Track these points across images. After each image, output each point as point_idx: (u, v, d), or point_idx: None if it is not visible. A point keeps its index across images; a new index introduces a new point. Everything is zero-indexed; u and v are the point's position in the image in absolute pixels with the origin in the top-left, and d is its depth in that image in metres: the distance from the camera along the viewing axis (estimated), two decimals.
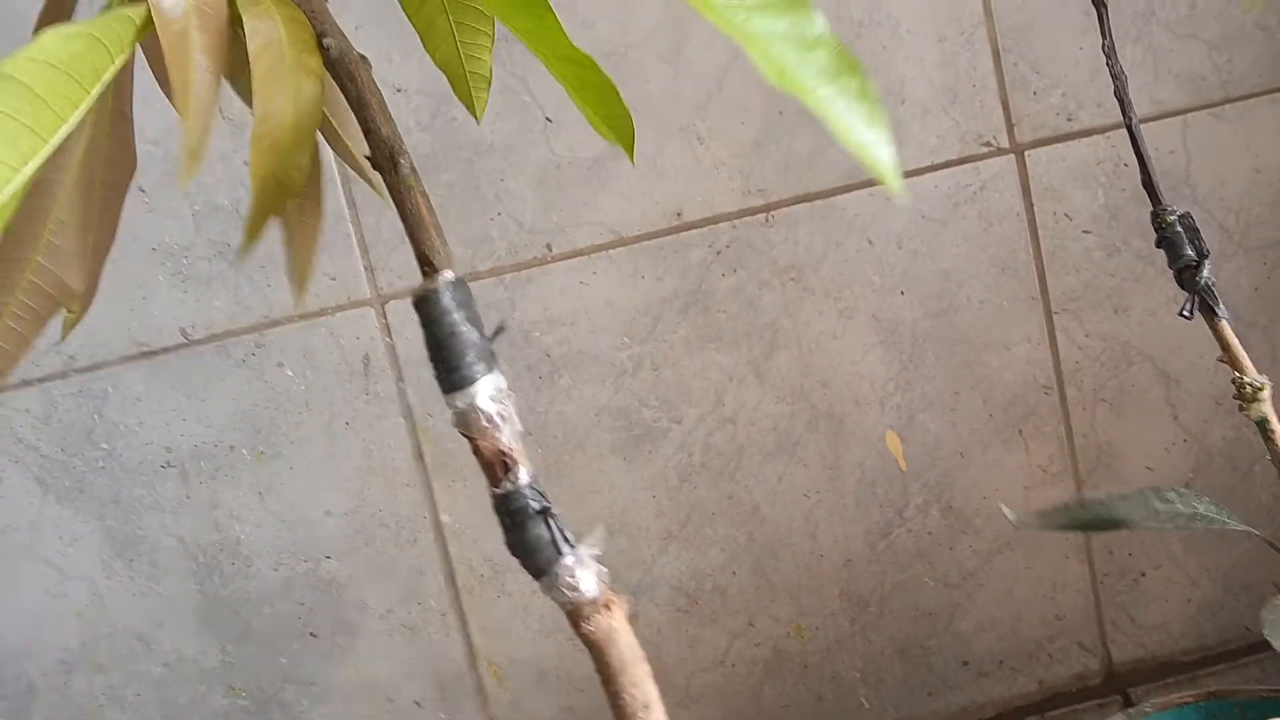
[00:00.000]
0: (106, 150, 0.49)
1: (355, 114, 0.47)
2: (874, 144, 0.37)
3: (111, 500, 0.96)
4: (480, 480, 1.04)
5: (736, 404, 1.01)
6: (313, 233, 0.50)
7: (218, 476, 0.96)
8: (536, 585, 1.04)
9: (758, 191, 0.99)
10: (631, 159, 0.56)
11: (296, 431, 0.96)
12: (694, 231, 0.98)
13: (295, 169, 0.46)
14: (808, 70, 0.37)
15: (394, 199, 0.47)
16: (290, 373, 0.96)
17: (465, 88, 0.62)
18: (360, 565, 0.99)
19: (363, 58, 0.48)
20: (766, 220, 0.99)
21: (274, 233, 0.98)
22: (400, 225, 0.47)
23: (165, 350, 0.95)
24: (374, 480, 0.98)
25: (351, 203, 0.95)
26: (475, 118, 0.62)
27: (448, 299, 0.45)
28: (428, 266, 0.46)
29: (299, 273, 0.48)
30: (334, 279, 0.95)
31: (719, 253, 0.99)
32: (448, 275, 0.46)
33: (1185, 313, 0.59)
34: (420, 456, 0.98)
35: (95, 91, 0.40)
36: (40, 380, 0.94)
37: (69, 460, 0.95)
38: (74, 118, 0.40)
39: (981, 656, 1.07)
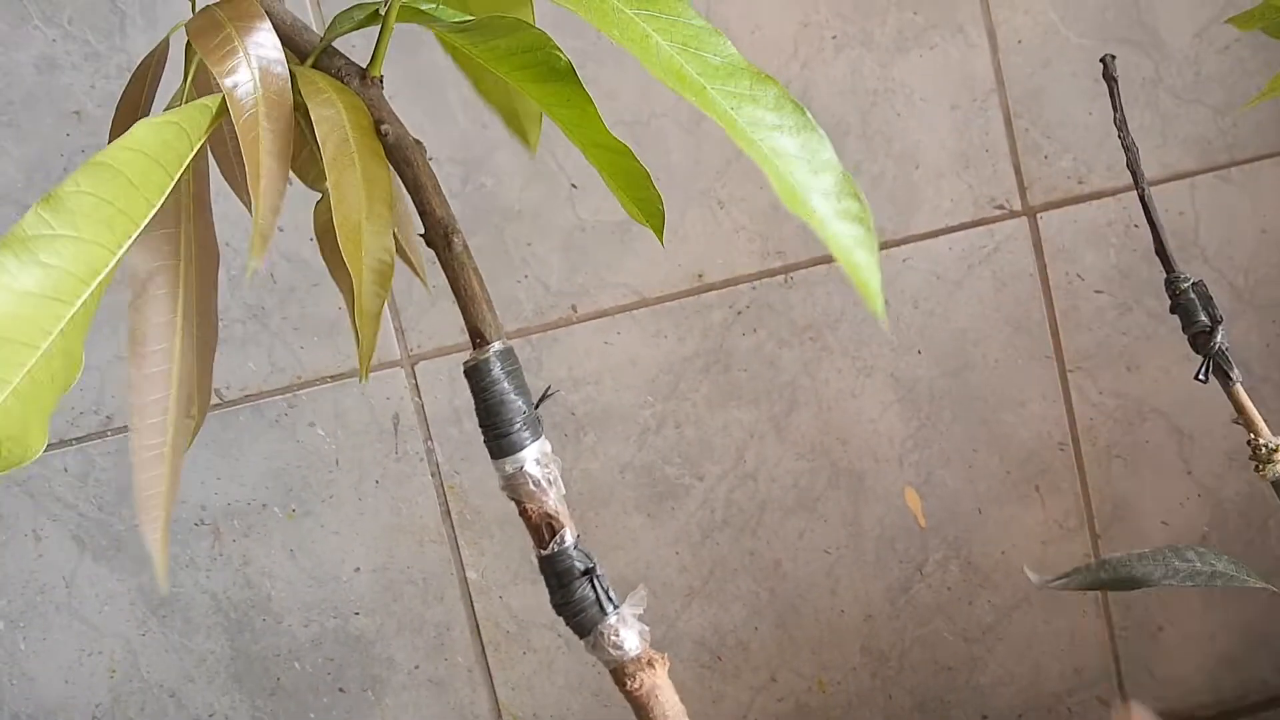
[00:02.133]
0: (196, 240, 0.51)
1: (412, 196, 0.49)
2: (865, 268, 0.40)
3: (147, 558, 0.98)
4: (505, 536, 1.06)
5: (757, 461, 1.02)
6: (377, 310, 0.53)
7: (250, 534, 0.98)
8: (561, 641, 1.05)
9: (777, 254, 1.01)
10: (661, 240, 0.59)
11: (327, 490, 0.98)
12: (715, 293, 1.01)
13: (384, 252, 0.48)
14: (815, 191, 0.40)
15: (447, 274, 0.49)
16: (321, 432, 0.98)
17: (519, 124, 0.64)
18: (388, 621, 1.00)
19: (418, 142, 0.50)
20: (786, 281, 1.01)
21: (306, 294, 1.01)
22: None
23: None
24: (402, 537, 1.00)
25: None
26: (530, 150, 0.64)
27: (497, 369, 0.48)
28: (479, 338, 0.48)
29: (365, 351, 0.50)
30: None
31: (739, 313, 1.01)
32: (497, 346, 0.48)
33: (1200, 377, 0.61)
34: (448, 514, 1.00)
35: (177, 175, 0.43)
36: (78, 440, 0.97)
37: (106, 519, 0.97)
38: (159, 202, 0.42)
39: (1001, 711, 1.08)
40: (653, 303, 1.00)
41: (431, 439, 0.99)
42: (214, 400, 0.97)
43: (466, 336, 1.00)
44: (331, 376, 0.98)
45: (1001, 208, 1.03)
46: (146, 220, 0.40)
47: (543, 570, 0.48)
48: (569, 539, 0.48)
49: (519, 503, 0.48)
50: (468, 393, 0.48)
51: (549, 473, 0.47)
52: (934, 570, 1.05)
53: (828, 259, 1.01)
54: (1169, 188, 1.03)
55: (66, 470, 0.96)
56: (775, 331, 1.02)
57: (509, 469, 0.47)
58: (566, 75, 0.49)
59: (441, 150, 0.97)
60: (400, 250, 0.53)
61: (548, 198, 0.98)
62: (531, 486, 0.47)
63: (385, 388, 0.98)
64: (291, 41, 0.50)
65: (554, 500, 0.47)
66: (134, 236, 0.40)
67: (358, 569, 0.99)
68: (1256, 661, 1.09)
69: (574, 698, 1.03)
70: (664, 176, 0.99)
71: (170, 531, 0.99)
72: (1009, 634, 1.07)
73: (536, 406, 0.49)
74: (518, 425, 0.47)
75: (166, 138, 0.40)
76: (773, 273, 1.01)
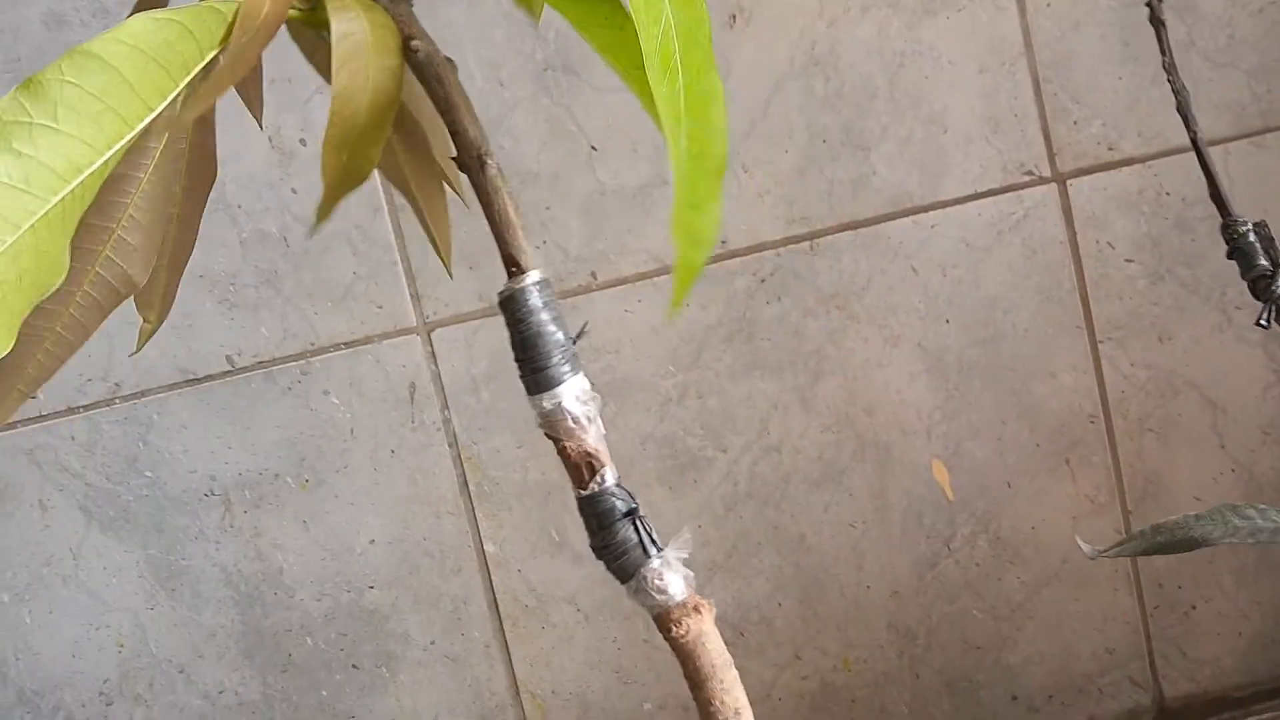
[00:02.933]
0: (189, 155, 0.49)
1: (443, 116, 0.47)
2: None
3: (155, 529, 0.95)
4: (524, 509, 1.03)
5: (782, 432, 1.00)
6: (441, 210, 0.51)
7: (262, 505, 0.96)
8: (580, 617, 1.03)
9: (801, 220, 0.99)
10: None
11: (341, 460, 0.96)
12: (738, 260, 0.98)
13: (366, 160, 0.46)
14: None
15: (481, 199, 0.46)
16: (336, 400, 0.95)
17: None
18: (403, 595, 0.98)
19: (449, 60, 0.48)
20: (811, 248, 0.99)
21: (320, 259, 0.98)
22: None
23: (211, 377, 0.95)
24: (418, 509, 0.97)
25: (398, 231, 0.95)
26: (534, 20, 0.59)
27: (535, 298, 0.45)
28: (514, 266, 0.46)
29: (442, 247, 0.49)
30: (380, 307, 0.95)
31: (763, 281, 0.99)
32: (534, 275, 0.46)
33: (1262, 321, 0.58)
34: (465, 485, 0.98)
35: (184, 83, 0.40)
36: (86, 408, 0.94)
37: (114, 489, 0.95)
38: (160, 107, 0.40)
39: (1031, 691, 1.05)
40: None
41: (449, 408, 0.97)
42: (225, 367, 0.95)
43: (484, 303, 0.98)
44: (346, 343, 0.95)
45: (1030, 174, 1.00)
46: (143, 124, 0.37)
47: (582, 511, 0.45)
48: (610, 478, 0.45)
49: (557, 440, 0.45)
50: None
51: (589, 409, 0.45)
52: (962, 545, 1.03)
53: (854, 225, 0.99)
54: None
55: (74, 439, 0.94)
56: (800, 300, 0.99)
57: (547, 405, 0.45)
58: None
59: None
60: (439, 173, 0.51)
61: (567, 160, 0.96)
62: (570, 423, 0.45)
63: (401, 355, 0.96)
64: None
65: (594, 438, 0.45)
66: (127, 139, 0.37)
67: (372, 541, 0.97)
68: None
69: (594, 674, 1.00)
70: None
71: (178, 502, 0.96)
72: (1039, 612, 1.04)
73: (575, 341, 0.46)
74: (556, 359, 0.45)
75: (169, 37, 0.38)
76: (797, 239, 0.99)
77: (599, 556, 0.45)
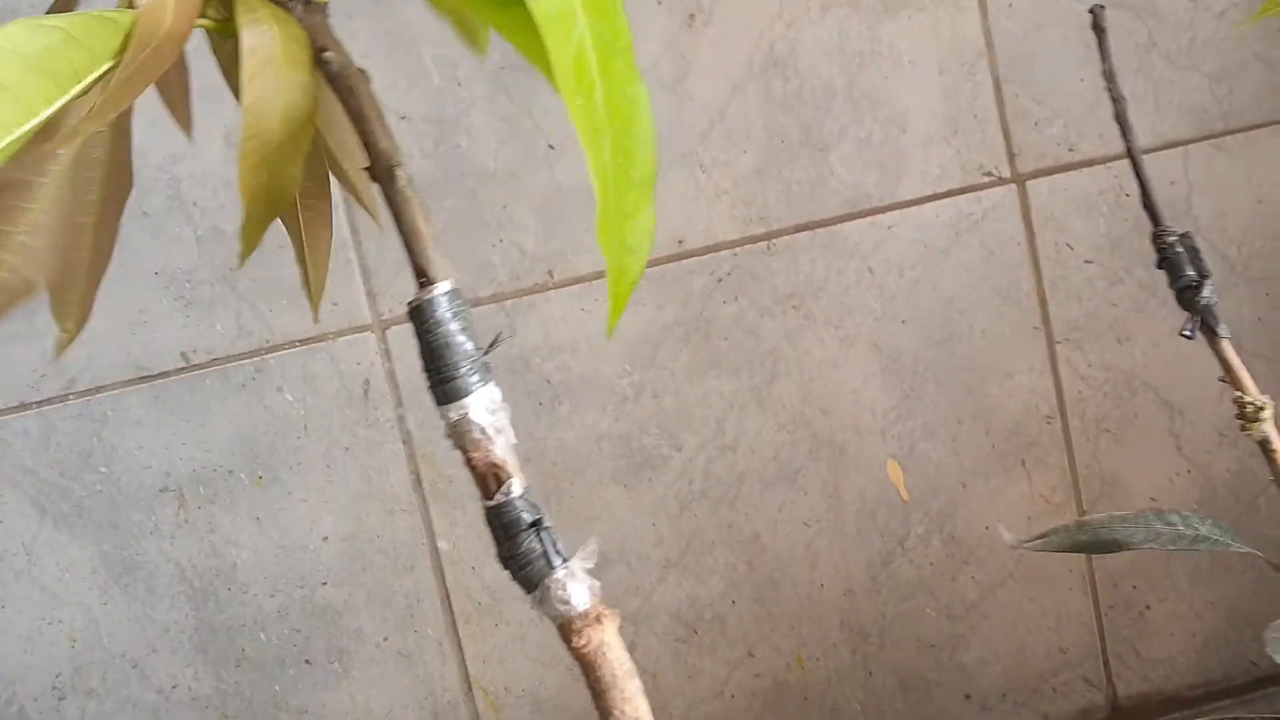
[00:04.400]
0: (105, 164, 0.49)
1: (355, 127, 0.47)
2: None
3: (109, 525, 0.96)
4: (478, 507, 1.03)
5: (737, 432, 1.00)
6: (324, 246, 0.50)
7: (216, 501, 0.96)
8: (534, 615, 1.03)
9: (759, 220, 0.99)
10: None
11: (295, 457, 0.96)
12: (695, 259, 0.98)
13: (286, 180, 0.46)
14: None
15: (392, 210, 0.46)
16: (290, 398, 0.95)
17: (468, 28, 0.60)
18: (357, 592, 0.98)
19: (362, 71, 0.48)
20: (768, 249, 0.99)
21: (276, 256, 0.98)
22: (400, 250, 0.47)
23: (165, 374, 0.95)
24: (372, 506, 0.97)
25: (354, 229, 0.95)
26: (481, 52, 0.59)
27: (443, 309, 0.45)
28: (424, 277, 0.46)
29: (314, 287, 0.48)
30: (335, 304, 0.95)
31: (720, 280, 0.99)
32: (444, 286, 0.46)
33: (1187, 332, 0.59)
34: (419, 483, 0.98)
35: (74, 91, 0.40)
36: (39, 404, 0.94)
37: (67, 484, 0.95)
38: (45, 114, 0.39)
39: (985, 690, 1.06)
40: None
41: (403, 406, 0.97)
42: (180, 364, 0.95)
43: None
44: (300, 340, 0.95)
45: (990, 174, 1.00)
46: (23, 129, 0.37)
47: (489, 522, 0.45)
48: (516, 489, 0.45)
49: (464, 451, 0.45)
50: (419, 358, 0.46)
51: (497, 420, 0.45)
52: (916, 545, 1.03)
53: (811, 225, 0.99)
54: (1162, 156, 1.01)
55: (27, 434, 0.94)
56: (757, 300, 0.99)
57: (454, 415, 0.45)
58: None
59: (415, 110, 0.95)
60: (354, 191, 0.51)
61: (524, 159, 0.96)
62: (477, 434, 0.45)
63: (355, 352, 0.96)
64: None
65: (501, 449, 0.45)
66: (4, 141, 0.37)
67: (326, 538, 0.97)
68: (1243, 642, 1.07)
69: (547, 672, 1.01)
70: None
71: (133, 498, 0.96)
72: (993, 611, 1.04)
73: (486, 352, 0.46)
74: (464, 369, 0.45)
75: (50, 43, 0.38)
76: (755, 239, 0.99)
77: (505, 566, 0.46)
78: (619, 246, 0.40)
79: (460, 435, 0.45)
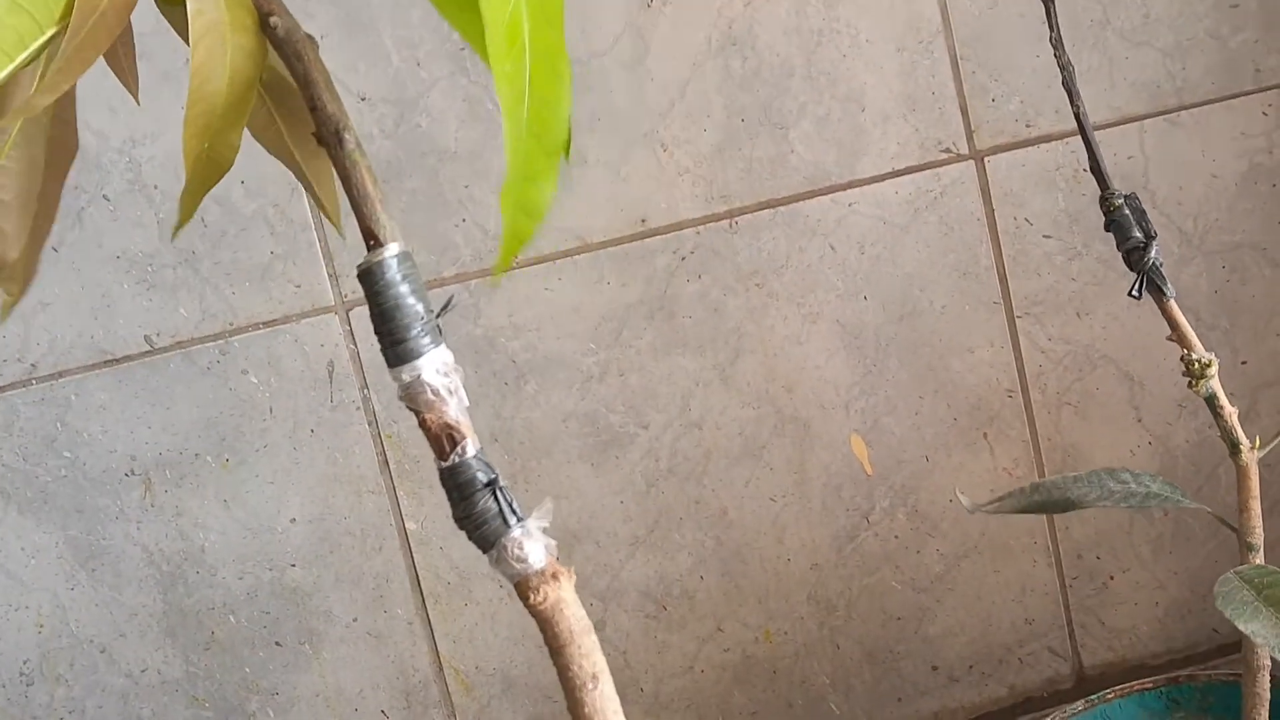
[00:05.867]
0: (49, 129, 0.49)
1: (302, 91, 0.47)
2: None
3: (75, 510, 0.95)
4: None
5: (703, 409, 1.01)
6: (327, 172, 0.52)
7: (182, 485, 0.96)
8: (503, 593, 1.04)
9: (721, 198, 0.99)
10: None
11: (261, 439, 0.96)
12: (659, 238, 0.99)
13: (227, 147, 0.46)
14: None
15: (339, 174, 0.47)
16: (255, 380, 0.95)
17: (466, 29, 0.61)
18: (325, 573, 0.98)
19: (309, 37, 0.48)
20: (730, 227, 1.00)
21: (238, 238, 0.98)
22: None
23: (129, 358, 0.95)
24: (339, 488, 0.98)
25: (316, 211, 0.95)
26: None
27: (393, 272, 0.46)
28: (373, 240, 0.46)
29: (328, 207, 0.49)
30: (299, 286, 0.95)
31: (683, 259, 0.99)
32: (393, 248, 0.46)
33: (1134, 293, 0.60)
34: (385, 464, 0.98)
35: (21, 58, 0.40)
36: (1, 389, 0.94)
37: (31, 470, 0.95)
38: None
39: (951, 661, 1.07)
40: (595, 248, 0.98)
41: (368, 387, 0.97)
42: (144, 348, 0.95)
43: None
44: (264, 323, 0.95)
45: (948, 151, 1.01)
46: None
47: (444, 483, 0.46)
48: (470, 449, 0.46)
49: (418, 413, 0.46)
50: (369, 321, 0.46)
51: (449, 382, 0.45)
52: (881, 519, 1.04)
53: (773, 203, 1.00)
54: (1117, 131, 1.02)
55: None
56: (720, 278, 1.00)
57: (406, 377, 0.45)
58: None
59: (375, 91, 0.95)
60: (297, 169, 0.51)
61: (485, 138, 0.96)
62: (430, 395, 0.45)
63: (319, 334, 0.96)
64: None
65: (455, 410, 0.45)
66: None
67: (293, 520, 0.97)
68: (1206, 610, 1.09)
69: (517, 650, 1.01)
70: (605, 118, 0.97)
71: (98, 482, 0.96)
72: (958, 583, 1.06)
73: (438, 316, 0.47)
74: (415, 331, 0.45)
75: (8, 13, 0.38)
76: (717, 217, 1.00)
77: (460, 527, 0.46)
78: (517, 208, 0.41)
79: (413, 397, 0.46)
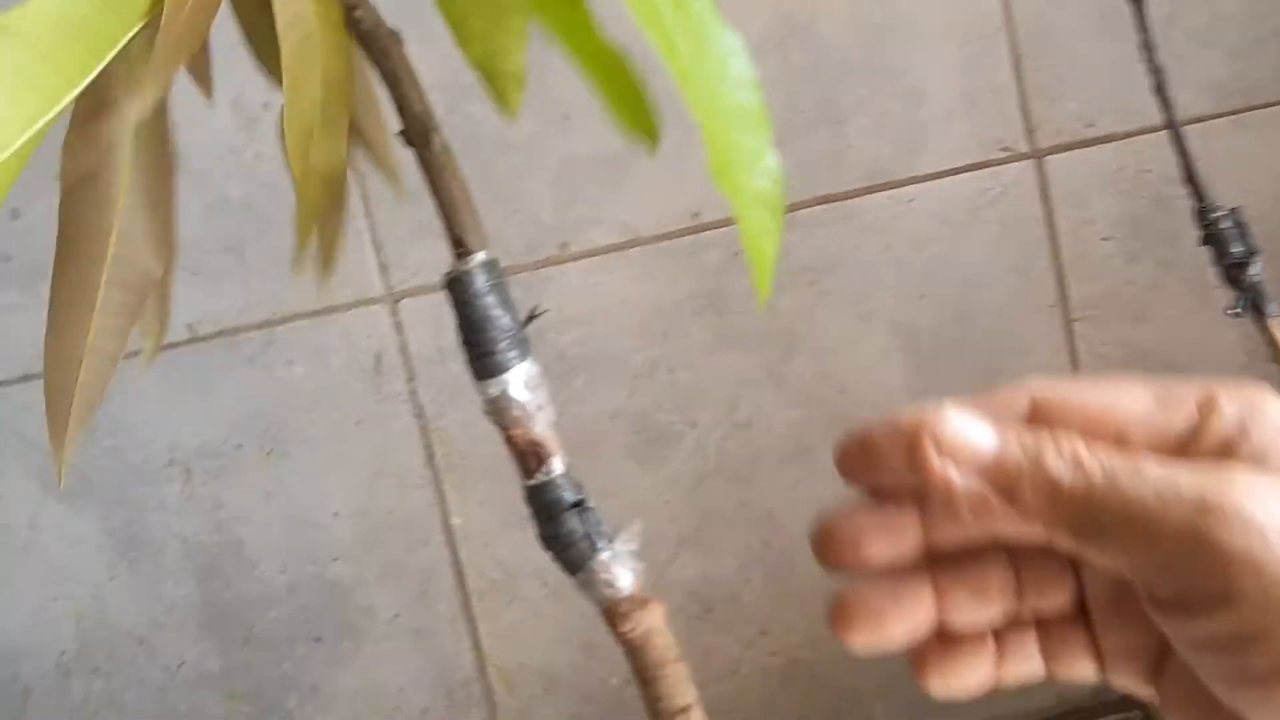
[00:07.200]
0: (156, 130, 0.47)
1: (389, 90, 0.45)
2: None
3: (115, 499, 0.94)
4: (492, 482, 1.02)
5: (752, 408, 0.99)
6: (338, 213, 0.49)
7: (223, 476, 0.95)
8: (548, 591, 1.02)
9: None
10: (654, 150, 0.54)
11: (305, 431, 0.95)
12: (711, 232, 0.97)
13: (335, 158, 0.44)
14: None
15: (427, 177, 0.45)
16: (300, 370, 0.94)
17: (500, 87, 0.59)
18: (368, 568, 0.97)
19: (394, 32, 0.46)
20: (785, 222, 0.97)
21: (285, 226, 0.96)
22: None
23: (172, 346, 0.93)
24: (384, 482, 0.96)
25: (365, 198, 0.93)
26: (511, 116, 0.59)
27: (481, 281, 0.44)
28: (461, 247, 0.44)
29: (326, 255, 0.47)
30: (346, 276, 0.94)
31: (735, 254, 0.97)
32: (481, 256, 0.44)
33: (1234, 310, 0.57)
34: (431, 458, 0.96)
35: (109, 56, 0.39)
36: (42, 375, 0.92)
37: (72, 458, 0.93)
38: (83, 82, 0.38)
39: None
40: (647, 241, 0.96)
41: (415, 379, 0.95)
42: (187, 335, 0.93)
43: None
44: (311, 313, 0.94)
45: (1008, 150, 0.99)
46: (66, 99, 0.36)
47: (529, 502, 0.44)
48: (558, 467, 0.44)
49: (503, 428, 0.44)
50: (454, 332, 0.44)
51: (537, 397, 0.44)
52: None
53: (829, 199, 0.98)
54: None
55: (29, 408, 0.92)
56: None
57: (492, 391, 0.43)
58: None
59: (426, 77, 0.93)
60: (375, 154, 0.49)
61: (539, 129, 0.94)
62: (516, 411, 0.43)
63: (366, 325, 0.94)
64: None
65: (542, 426, 0.44)
66: (48, 117, 0.35)
67: (337, 513, 0.96)
68: None
69: (561, 650, 1.00)
70: (659, 107, 0.94)
71: (139, 472, 0.95)
72: None
73: (524, 325, 0.45)
74: (503, 344, 0.43)
75: (85, 11, 0.36)
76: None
77: (546, 547, 0.44)
78: (744, 198, 0.38)
79: (499, 412, 0.44)
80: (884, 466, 0.33)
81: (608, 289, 0.96)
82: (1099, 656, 0.33)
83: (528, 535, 1.08)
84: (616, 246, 0.96)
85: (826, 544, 0.35)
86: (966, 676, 0.35)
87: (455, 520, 0.97)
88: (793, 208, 0.97)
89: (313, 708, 0.98)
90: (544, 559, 1.04)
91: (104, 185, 0.42)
